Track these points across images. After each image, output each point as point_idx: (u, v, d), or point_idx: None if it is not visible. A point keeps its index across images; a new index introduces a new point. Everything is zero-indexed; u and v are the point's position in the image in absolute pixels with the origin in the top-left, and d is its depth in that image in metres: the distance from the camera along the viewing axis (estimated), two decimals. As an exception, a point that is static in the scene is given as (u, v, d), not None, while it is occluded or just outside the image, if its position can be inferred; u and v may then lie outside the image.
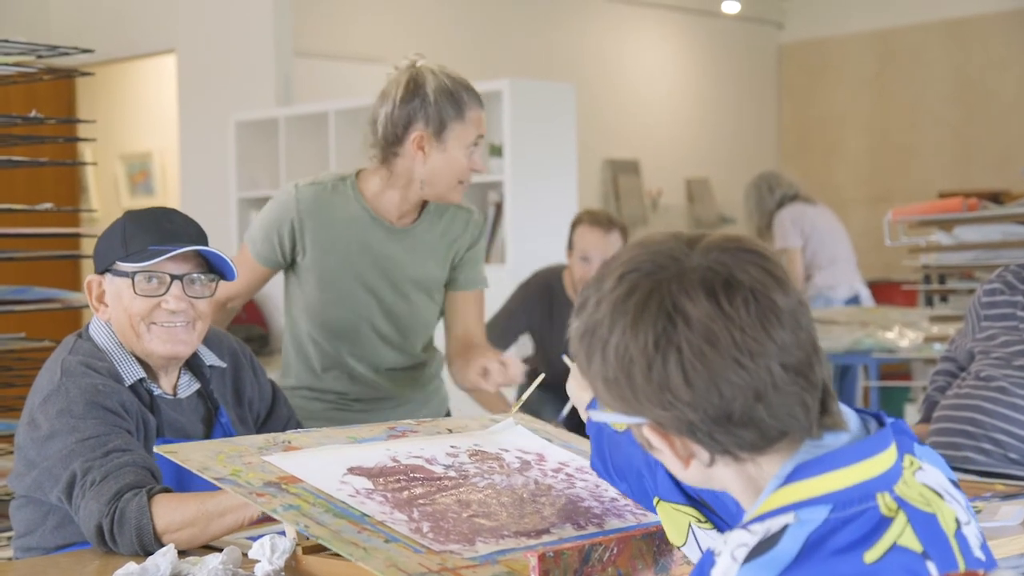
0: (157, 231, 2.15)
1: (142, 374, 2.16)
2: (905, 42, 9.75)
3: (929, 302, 4.40)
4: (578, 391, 1.71)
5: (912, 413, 5.59)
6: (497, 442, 2.01)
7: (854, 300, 6.41)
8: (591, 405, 1.33)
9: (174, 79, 7.09)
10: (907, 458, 1.26)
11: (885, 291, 7.63)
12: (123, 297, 2.14)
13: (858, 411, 1.28)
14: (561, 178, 5.64)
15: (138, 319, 2.14)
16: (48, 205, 3.11)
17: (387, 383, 2.90)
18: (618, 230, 4.29)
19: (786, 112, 10.48)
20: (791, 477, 1.20)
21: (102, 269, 2.18)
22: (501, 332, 4.34)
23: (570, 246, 4.34)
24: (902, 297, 7.22)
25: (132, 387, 2.14)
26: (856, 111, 10.01)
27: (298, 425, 2.44)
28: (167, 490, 1.96)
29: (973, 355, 2.72)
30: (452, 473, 1.83)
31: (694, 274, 1.20)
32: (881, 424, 1.27)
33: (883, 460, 1.22)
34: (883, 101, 9.87)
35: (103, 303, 2.18)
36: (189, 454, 1.73)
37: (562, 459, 1.99)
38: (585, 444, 2.06)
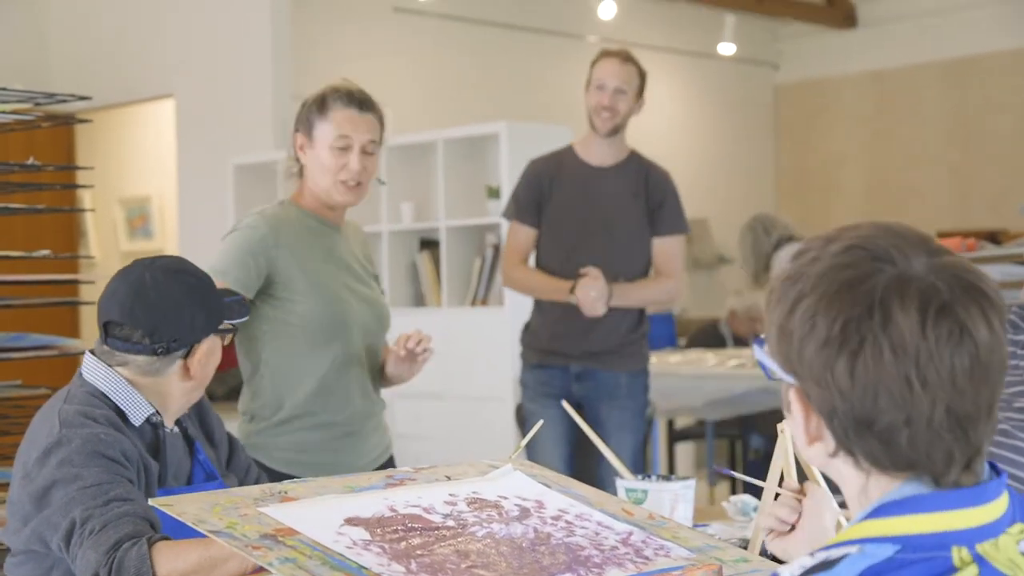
0: (214, 287, 2.30)
1: (151, 410, 2.16)
2: (902, 82, 9.79)
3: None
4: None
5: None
6: (495, 489, 2.00)
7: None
8: (757, 341, 1.30)
9: (172, 123, 7.11)
10: (1019, 525, 1.21)
11: (884, 331, 7.62)
12: (216, 352, 2.26)
13: (991, 464, 1.24)
14: (559, 220, 5.63)
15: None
16: (46, 252, 3.11)
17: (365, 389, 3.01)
18: (635, 65, 4.29)
19: (783, 152, 10.51)
20: (875, 512, 1.17)
21: (207, 333, 2.25)
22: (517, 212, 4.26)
23: (587, 84, 4.31)
24: (902, 337, 7.21)
25: (139, 428, 2.14)
26: (853, 151, 10.04)
27: (260, 473, 2.48)
28: (166, 538, 1.94)
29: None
30: (450, 522, 1.81)
31: (917, 283, 1.16)
32: (997, 474, 1.22)
33: (977, 514, 1.17)
34: (880, 141, 9.90)
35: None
36: (185, 507, 1.71)
37: (561, 506, 1.98)
38: (584, 489, 2.04)
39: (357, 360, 2.96)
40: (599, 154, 4.26)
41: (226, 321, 2.26)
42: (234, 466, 2.44)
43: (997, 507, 1.19)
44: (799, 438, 1.25)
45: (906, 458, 1.17)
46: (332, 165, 2.90)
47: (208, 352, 2.23)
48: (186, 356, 2.21)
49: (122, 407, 2.15)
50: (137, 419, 2.15)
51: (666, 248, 4.26)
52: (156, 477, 2.15)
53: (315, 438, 2.93)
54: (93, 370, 2.19)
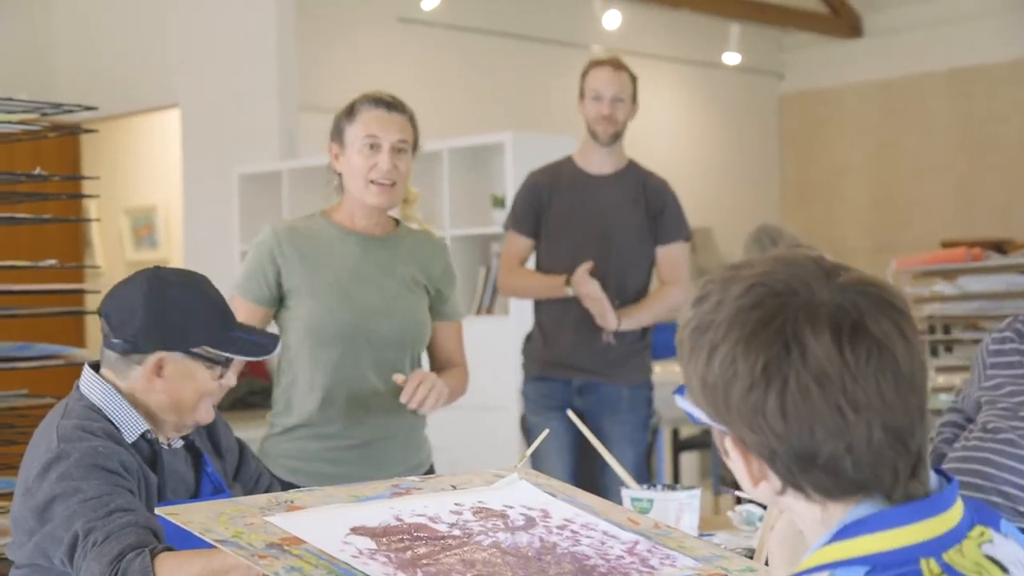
0: (225, 315, 2.25)
1: (145, 426, 2.16)
2: (907, 92, 9.79)
3: (934, 352, 4.39)
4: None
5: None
6: (501, 498, 1.99)
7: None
8: (679, 391, 1.31)
9: (178, 133, 7.12)
10: (978, 528, 1.21)
11: (890, 340, 7.61)
12: (196, 377, 2.20)
13: (935, 470, 1.24)
14: (564, 230, 5.63)
15: (204, 397, 2.22)
16: (52, 261, 3.11)
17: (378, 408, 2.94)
18: (627, 71, 4.31)
19: (788, 162, 10.51)
20: (838, 535, 1.17)
21: (176, 347, 2.19)
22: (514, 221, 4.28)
23: (581, 93, 4.33)
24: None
25: (134, 443, 2.14)
26: (858, 161, 10.04)
27: (271, 480, 2.47)
28: (169, 549, 1.94)
29: (980, 405, 2.71)
30: (456, 531, 1.81)
31: (824, 309, 1.16)
32: (948, 482, 1.22)
33: (936, 524, 1.18)
34: (885, 151, 9.90)
35: (159, 377, 2.18)
36: (191, 516, 1.71)
37: (567, 515, 1.97)
38: (590, 499, 2.04)
39: (364, 372, 2.91)
40: (598, 163, 4.27)
41: (217, 351, 2.20)
42: (243, 475, 2.43)
43: (954, 514, 1.20)
44: (743, 482, 1.25)
45: (855, 482, 1.17)
46: (362, 166, 2.89)
47: (183, 373, 2.18)
48: (156, 367, 2.19)
49: (116, 423, 2.14)
50: (131, 435, 2.15)
51: (670, 256, 4.27)
52: (156, 490, 2.15)
53: (315, 448, 2.93)
54: (90, 384, 2.19)
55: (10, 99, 2.89)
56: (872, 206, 9.95)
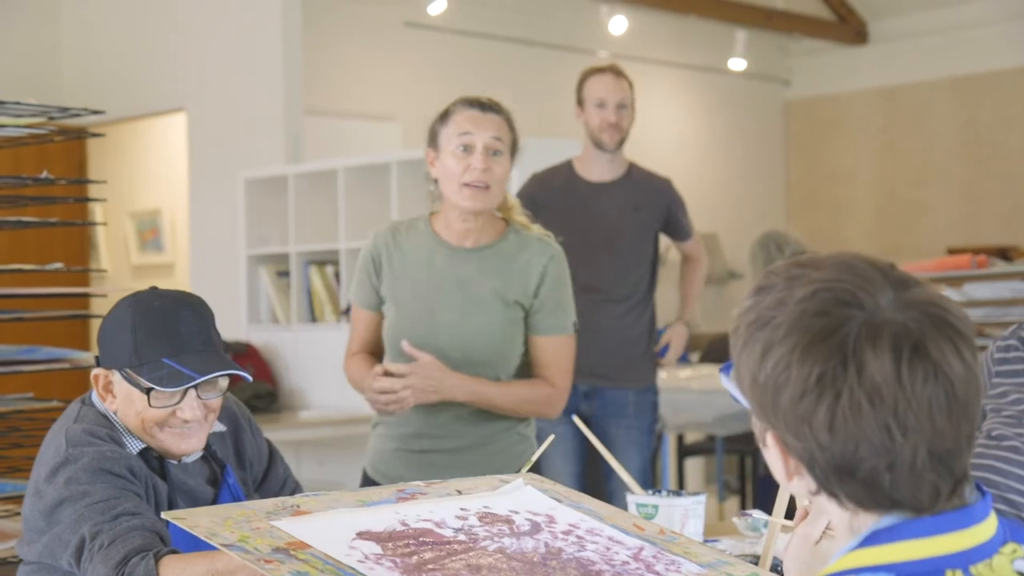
0: (168, 339, 2.12)
1: (142, 445, 2.16)
2: (912, 98, 9.79)
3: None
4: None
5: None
6: (507, 503, 1.99)
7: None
8: (725, 368, 1.28)
9: (184, 137, 7.13)
10: (1011, 545, 1.20)
11: (895, 347, 7.61)
12: (135, 402, 2.13)
13: (977, 485, 1.23)
14: (569, 235, 5.64)
15: (151, 424, 2.14)
16: (58, 265, 3.12)
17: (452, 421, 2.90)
18: (627, 78, 4.37)
19: (793, 168, 10.51)
20: (866, 541, 1.17)
21: (110, 366, 2.16)
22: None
23: (579, 101, 4.36)
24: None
25: (139, 453, 2.14)
26: (863, 167, 10.04)
27: (295, 485, 2.46)
28: (175, 552, 1.95)
29: (985, 412, 2.71)
30: (462, 536, 1.81)
31: (887, 327, 1.15)
32: (982, 495, 1.22)
33: (966, 537, 1.17)
34: (890, 157, 9.90)
35: (111, 394, 2.17)
36: (197, 520, 1.71)
37: (572, 521, 1.97)
38: (595, 504, 2.04)
39: None
40: (599, 170, 4.29)
41: (138, 377, 2.11)
42: (270, 481, 2.40)
43: (987, 528, 1.19)
44: (778, 474, 1.24)
45: (889, 498, 1.17)
46: (455, 168, 2.80)
47: (124, 395, 2.14)
48: (104, 383, 2.17)
49: (121, 435, 2.15)
50: (133, 448, 2.15)
51: (696, 248, 4.57)
52: (165, 498, 2.15)
53: (391, 447, 2.97)
54: (98, 397, 2.20)
55: (17, 103, 2.90)
56: (877, 212, 9.95)
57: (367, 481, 3.00)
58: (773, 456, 1.23)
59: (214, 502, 2.23)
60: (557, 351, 2.91)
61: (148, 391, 2.11)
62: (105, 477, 2.04)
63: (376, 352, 3.00)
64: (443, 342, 2.86)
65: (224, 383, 2.18)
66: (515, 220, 2.97)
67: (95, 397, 2.20)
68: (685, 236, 4.48)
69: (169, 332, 2.13)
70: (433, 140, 2.87)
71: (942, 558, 1.15)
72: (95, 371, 2.18)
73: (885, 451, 1.14)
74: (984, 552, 1.17)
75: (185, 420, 2.14)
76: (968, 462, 1.18)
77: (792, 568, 1.36)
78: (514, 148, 2.88)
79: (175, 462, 2.20)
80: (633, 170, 4.38)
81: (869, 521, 1.19)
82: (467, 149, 2.80)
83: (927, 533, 1.16)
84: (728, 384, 1.29)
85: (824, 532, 1.33)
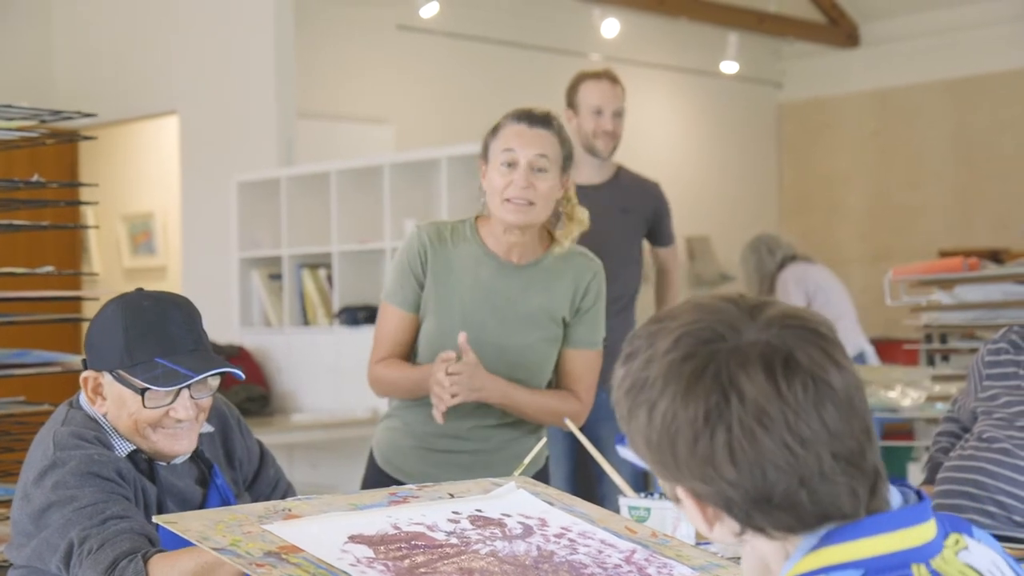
0: (160, 339, 2.12)
1: (131, 447, 2.15)
2: (905, 101, 9.80)
3: (931, 361, 4.40)
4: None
5: (915, 472, 5.57)
6: (499, 507, 2.00)
7: (859, 358, 6.39)
8: (620, 440, 1.31)
9: (176, 140, 7.13)
10: (952, 536, 1.23)
11: (886, 349, 7.63)
12: (127, 403, 2.13)
13: (897, 484, 1.25)
14: (562, 238, 5.64)
15: (144, 425, 2.13)
16: (49, 268, 3.11)
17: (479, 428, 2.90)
18: (620, 84, 4.36)
19: (786, 171, 10.52)
20: (824, 541, 1.17)
21: (101, 368, 2.15)
22: None
23: (572, 105, 4.33)
24: (903, 356, 7.21)
25: (128, 456, 2.13)
26: (856, 170, 10.05)
27: (287, 487, 2.45)
28: (163, 551, 1.95)
29: (976, 415, 2.71)
30: (454, 540, 1.81)
31: (753, 349, 1.17)
32: (920, 498, 1.23)
33: (921, 532, 1.19)
34: (883, 160, 9.91)
35: (100, 396, 2.16)
36: (189, 524, 1.71)
37: (564, 524, 1.98)
38: (587, 507, 2.04)
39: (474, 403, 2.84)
40: (587, 173, 4.29)
41: (131, 378, 2.11)
42: (260, 482, 2.40)
43: (931, 527, 1.21)
44: (699, 527, 1.25)
45: (814, 514, 1.18)
46: (499, 183, 2.77)
47: (115, 396, 2.13)
48: (93, 386, 2.16)
49: (110, 438, 2.14)
50: (122, 451, 2.14)
51: (671, 256, 4.52)
52: (155, 500, 2.14)
53: (405, 443, 2.94)
54: (87, 400, 2.19)
55: (9, 106, 2.89)
56: (869, 215, 9.96)
57: (379, 474, 2.96)
58: (690, 510, 1.23)
59: (203, 503, 2.23)
60: (586, 365, 2.91)
61: (143, 391, 2.10)
62: (93, 480, 2.03)
63: (406, 358, 2.92)
64: (488, 357, 2.82)
65: (215, 382, 2.18)
66: (570, 237, 2.92)
67: (83, 400, 2.19)
68: (666, 241, 4.46)
69: (160, 332, 2.12)
70: (484, 152, 2.84)
71: (907, 552, 1.16)
72: (84, 374, 2.18)
73: (791, 468, 1.15)
74: (936, 547, 1.19)
75: (178, 420, 2.13)
76: (877, 458, 1.20)
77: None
78: (566, 162, 2.84)
79: (164, 464, 2.19)
80: (621, 173, 4.38)
81: (805, 541, 1.20)
82: (511, 165, 2.77)
83: (888, 528, 1.17)
84: (627, 454, 1.31)
85: None
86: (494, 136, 2.82)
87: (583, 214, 2.93)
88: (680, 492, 1.23)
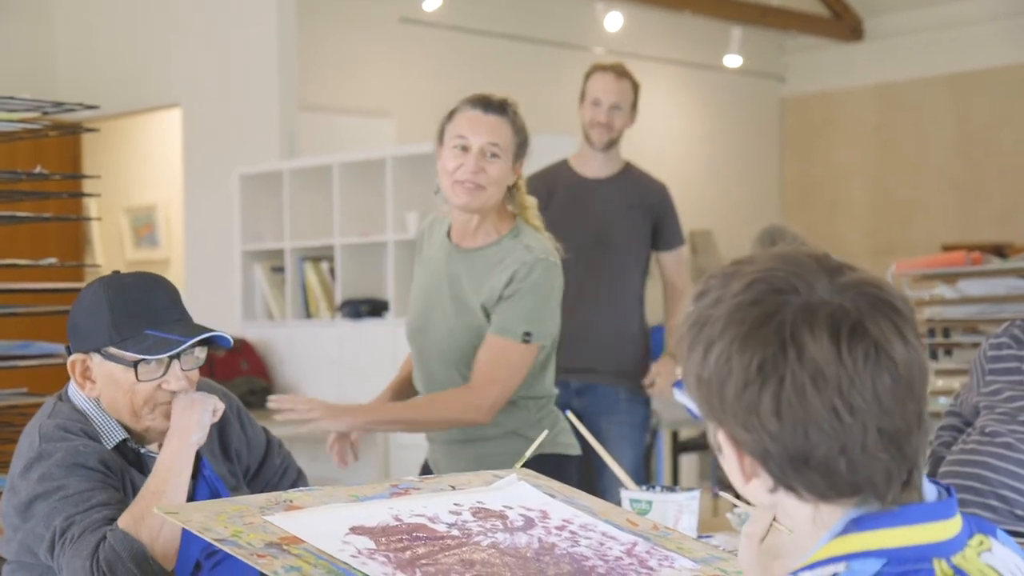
0: (145, 311, 2.12)
1: (124, 435, 2.15)
2: (907, 95, 9.79)
3: (933, 355, 4.39)
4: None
5: (918, 467, 5.57)
6: (500, 499, 2.00)
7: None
8: (677, 384, 1.29)
9: (179, 133, 7.13)
10: (977, 536, 1.21)
11: (889, 343, 7.62)
12: (119, 381, 2.12)
13: (932, 481, 1.24)
14: (564, 231, 5.64)
15: (141, 403, 2.13)
16: (52, 260, 3.11)
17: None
18: (629, 79, 4.31)
19: (788, 165, 10.51)
20: (848, 528, 1.17)
21: (88, 350, 2.15)
22: None
23: (581, 95, 4.33)
24: (906, 350, 7.22)
25: (116, 447, 2.13)
26: (859, 164, 10.04)
27: (297, 474, 2.45)
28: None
29: (978, 410, 2.71)
30: (455, 532, 1.81)
31: (823, 308, 1.15)
32: (949, 494, 1.22)
33: (944, 528, 1.18)
34: (886, 154, 9.90)
35: (90, 380, 2.15)
36: (190, 515, 1.72)
37: (566, 516, 1.98)
38: (588, 500, 2.04)
39: (424, 382, 2.97)
40: (594, 167, 4.29)
41: (121, 352, 2.09)
42: (265, 471, 2.39)
43: (958, 521, 1.20)
44: (735, 478, 1.24)
45: (848, 484, 1.17)
46: (451, 166, 2.82)
47: (105, 376, 2.13)
48: (81, 370, 2.16)
49: (96, 429, 2.14)
50: (109, 442, 2.14)
51: (677, 261, 4.40)
52: None
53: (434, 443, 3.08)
54: (75, 390, 2.19)
55: (11, 98, 2.89)
56: (872, 209, 9.96)
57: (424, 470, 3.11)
58: (728, 458, 1.23)
59: (191, 494, 2.23)
60: (491, 352, 2.83)
61: (136, 364, 2.10)
62: (79, 471, 2.04)
63: None
64: (420, 341, 2.94)
65: (202, 355, 2.18)
66: (530, 223, 2.95)
67: (71, 392, 2.19)
68: (667, 245, 4.35)
69: (146, 306, 2.12)
70: (440, 136, 2.88)
71: (930, 546, 1.16)
72: (72, 358, 2.16)
73: (835, 433, 1.14)
74: (958, 544, 1.18)
75: (172, 392, 2.13)
76: (920, 447, 1.19)
77: (747, 570, 1.35)
78: (520, 149, 2.88)
79: (153, 454, 2.19)
80: (629, 169, 4.37)
81: (833, 514, 1.19)
82: (464, 149, 2.81)
83: (913, 521, 1.16)
84: (681, 397, 1.29)
85: (771, 526, 1.32)
86: (450, 120, 2.86)
87: (531, 201, 2.97)
88: (721, 437, 1.22)
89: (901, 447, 1.16)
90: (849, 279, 1.18)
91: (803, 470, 1.17)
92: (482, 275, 2.88)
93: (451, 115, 2.87)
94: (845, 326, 1.14)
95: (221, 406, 2.17)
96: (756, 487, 1.22)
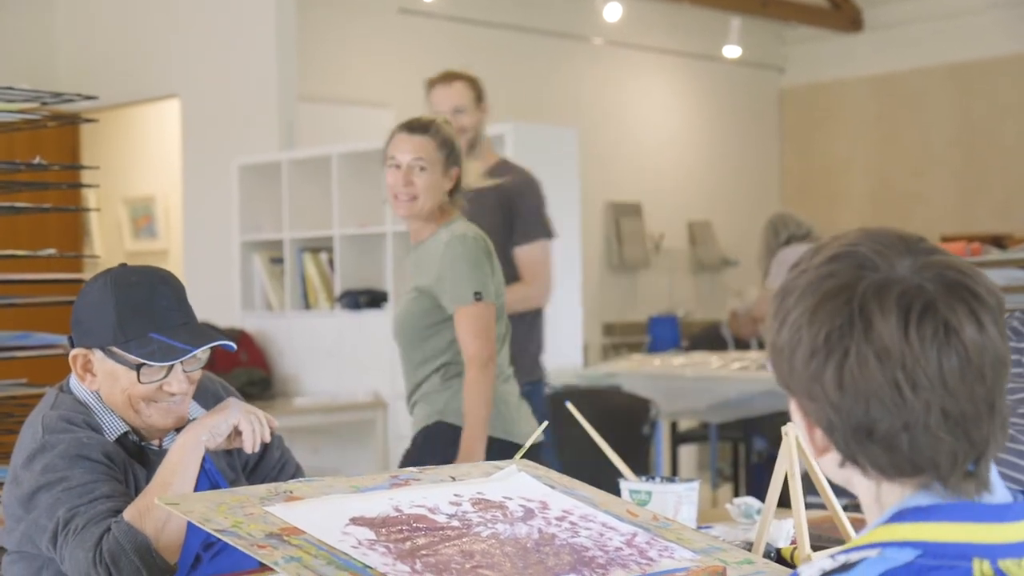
0: (152, 314, 2.12)
1: (126, 428, 2.15)
2: (907, 86, 9.79)
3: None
4: None
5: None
6: (500, 490, 2.00)
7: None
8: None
9: (177, 123, 7.12)
10: None
11: (889, 335, 7.63)
12: (121, 379, 2.12)
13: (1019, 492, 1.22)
14: (564, 221, 5.64)
15: (138, 400, 2.12)
16: (51, 251, 3.11)
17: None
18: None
19: (788, 156, 10.51)
20: (895, 517, 1.16)
21: (91, 345, 2.14)
22: None
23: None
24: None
25: (118, 440, 2.13)
26: (858, 155, 10.04)
27: (295, 468, 2.45)
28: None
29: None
30: (455, 523, 1.82)
31: (900, 286, 1.16)
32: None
33: (1000, 531, 1.15)
34: (885, 145, 9.90)
35: (90, 373, 2.15)
36: (191, 506, 1.71)
37: (565, 507, 1.98)
38: (588, 490, 2.04)
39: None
40: (472, 176, 4.22)
41: (124, 353, 2.10)
42: (264, 464, 2.38)
43: (1018, 529, 1.17)
44: (809, 451, 1.25)
45: (910, 462, 1.17)
46: (389, 182, 3.35)
47: (107, 373, 2.12)
48: (82, 363, 2.15)
49: (98, 422, 2.14)
50: (111, 435, 2.14)
51: (528, 256, 4.26)
52: (144, 483, 2.14)
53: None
54: (77, 382, 2.19)
55: (10, 88, 2.88)
56: (872, 200, 9.95)
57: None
58: (801, 430, 1.24)
59: (194, 486, 2.23)
60: (460, 325, 3.29)
61: (139, 367, 2.10)
62: (82, 463, 2.03)
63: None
64: (400, 326, 3.40)
65: (205, 356, 2.18)
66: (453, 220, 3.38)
67: (73, 383, 2.18)
68: (523, 238, 4.18)
69: (152, 308, 2.12)
70: (383, 158, 3.38)
71: (972, 546, 1.14)
72: (74, 352, 2.16)
73: (897, 408, 1.14)
74: (1017, 551, 1.16)
75: (172, 393, 2.13)
76: (992, 435, 1.17)
77: None
78: (450, 158, 3.34)
79: (155, 447, 2.19)
80: (496, 167, 4.29)
81: (894, 495, 1.19)
82: (397, 167, 3.32)
83: (964, 519, 1.15)
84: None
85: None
86: (387, 143, 3.38)
87: (460, 200, 3.42)
88: (793, 406, 1.24)
89: (968, 431, 1.15)
90: (933, 260, 1.18)
91: (866, 443, 1.17)
92: (425, 264, 3.34)
93: (388, 140, 3.38)
94: (917, 305, 1.15)
95: (248, 428, 2.15)
96: (827, 462, 1.23)
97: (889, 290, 1.16)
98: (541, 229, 4.27)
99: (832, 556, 1.16)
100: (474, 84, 4.34)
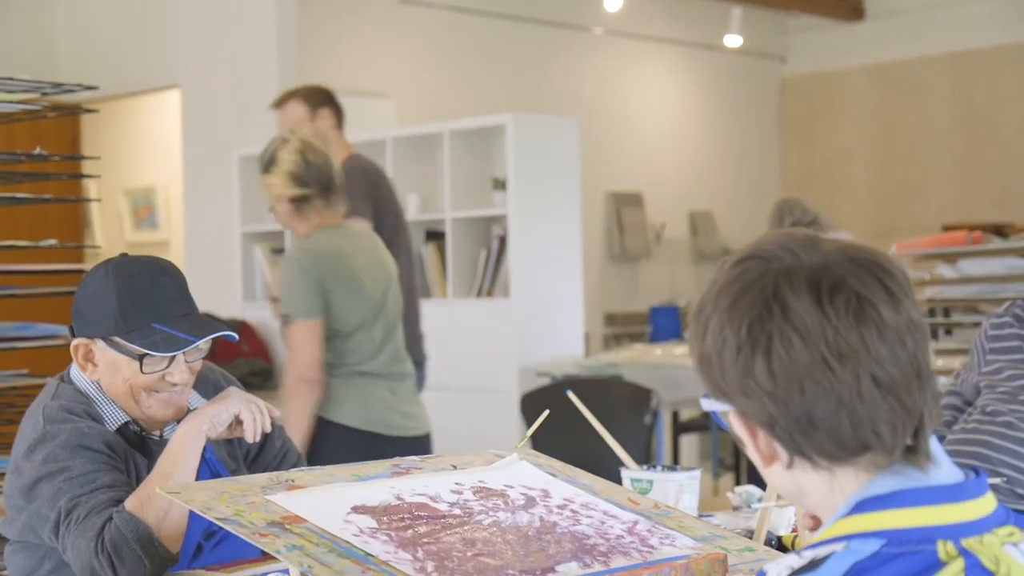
0: (154, 304, 2.11)
1: (126, 418, 2.15)
2: (908, 75, 9.78)
3: (934, 335, 4.40)
4: None
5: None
6: (502, 478, 2.00)
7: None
8: (705, 395, 1.31)
9: (178, 114, 7.12)
10: (1008, 527, 1.20)
11: (890, 324, 7.62)
12: (123, 369, 2.12)
13: (958, 464, 1.23)
14: (564, 211, 5.64)
15: (140, 390, 2.13)
16: (52, 241, 3.11)
17: None
18: (288, 104, 4.75)
19: (789, 145, 10.50)
20: (857, 508, 1.18)
21: (93, 336, 2.14)
22: None
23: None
24: (907, 330, 7.21)
25: (118, 430, 2.13)
26: (859, 144, 10.03)
27: (296, 457, 2.45)
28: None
29: (979, 389, 2.71)
30: (456, 511, 1.82)
31: (804, 270, 1.19)
32: (976, 475, 1.22)
33: (959, 511, 1.18)
34: (886, 134, 9.89)
35: (91, 363, 2.15)
36: (193, 494, 1.72)
37: (567, 495, 1.98)
38: (589, 479, 2.05)
39: None
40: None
41: (127, 344, 2.09)
42: (265, 454, 2.38)
43: (981, 505, 1.20)
44: (757, 463, 1.25)
45: (855, 439, 1.18)
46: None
47: (109, 362, 2.12)
48: (84, 353, 2.15)
49: (99, 412, 2.13)
50: (112, 425, 2.14)
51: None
52: (146, 473, 2.14)
53: None
54: (78, 372, 2.19)
55: (10, 79, 2.88)
56: (873, 189, 9.95)
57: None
58: (746, 443, 1.24)
59: (193, 477, 2.23)
60: (287, 340, 3.68)
61: (142, 357, 2.10)
62: (83, 453, 2.03)
63: None
64: None
65: (206, 346, 2.18)
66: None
67: (74, 374, 2.18)
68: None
69: (154, 298, 2.12)
70: None
71: (934, 528, 1.16)
72: (75, 342, 2.16)
73: (829, 383, 1.16)
74: (977, 528, 1.18)
75: (173, 384, 2.13)
76: (925, 404, 1.19)
77: None
78: (282, 181, 3.64)
79: (156, 437, 2.19)
80: (346, 161, 4.41)
81: (849, 480, 1.20)
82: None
83: (920, 502, 1.17)
84: (707, 404, 1.30)
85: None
86: None
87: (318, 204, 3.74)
88: (732, 419, 1.24)
89: (900, 398, 1.17)
90: (834, 245, 1.21)
91: (809, 432, 1.18)
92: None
93: None
94: (826, 281, 1.18)
95: (248, 417, 2.15)
96: (775, 472, 1.23)
97: (798, 273, 1.19)
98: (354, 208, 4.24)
99: (799, 553, 1.16)
100: (306, 96, 4.63)
